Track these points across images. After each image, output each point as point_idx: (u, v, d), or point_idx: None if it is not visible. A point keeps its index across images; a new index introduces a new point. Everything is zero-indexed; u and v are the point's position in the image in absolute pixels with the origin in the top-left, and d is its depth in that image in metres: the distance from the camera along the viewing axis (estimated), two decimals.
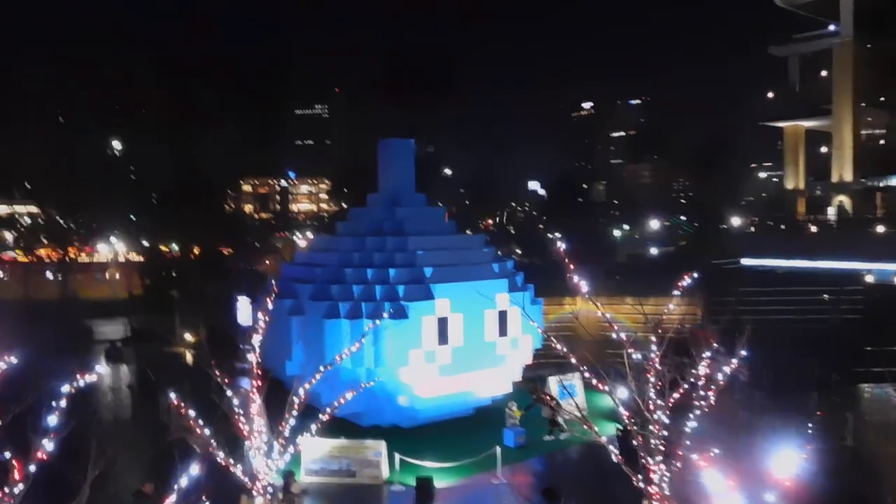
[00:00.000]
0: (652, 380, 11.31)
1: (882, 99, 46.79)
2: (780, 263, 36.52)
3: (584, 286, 11.77)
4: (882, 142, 51.21)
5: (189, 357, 31.68)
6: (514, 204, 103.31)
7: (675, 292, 12.31)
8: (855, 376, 24.93)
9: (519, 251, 53.62)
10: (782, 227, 41.84)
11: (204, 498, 9.53)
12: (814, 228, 39.77)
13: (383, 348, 19.36)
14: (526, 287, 22.80)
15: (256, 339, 12.16)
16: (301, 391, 12.59)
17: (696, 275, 12.17)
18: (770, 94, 48.13)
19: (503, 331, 21.36)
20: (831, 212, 41.29)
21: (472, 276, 20.73)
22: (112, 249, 47.10)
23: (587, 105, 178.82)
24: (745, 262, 38.52)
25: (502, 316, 21.33)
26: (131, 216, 52.03)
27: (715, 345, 30.18)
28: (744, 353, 27.92)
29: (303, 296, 20.54)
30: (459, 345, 20.22)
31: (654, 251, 45.90)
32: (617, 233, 60.66)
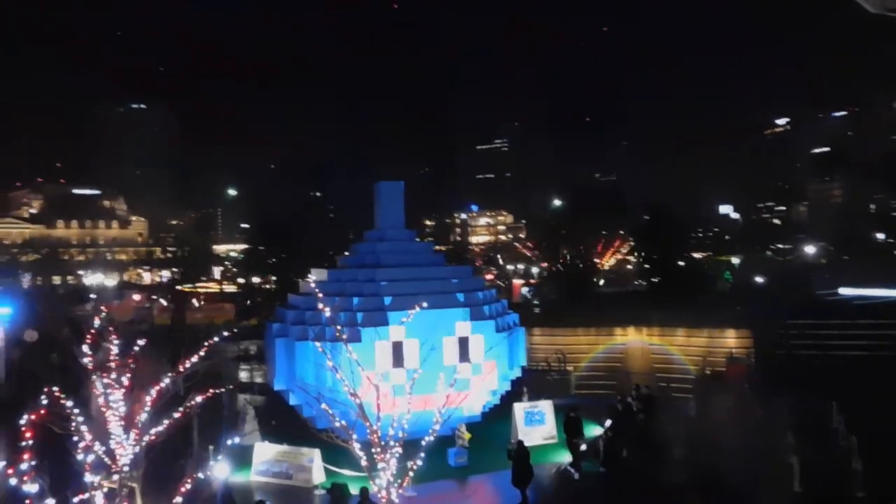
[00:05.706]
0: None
1: None
2: (879, 293, 32.58)
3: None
4: None
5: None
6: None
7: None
8: None
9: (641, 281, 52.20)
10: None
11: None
12: None
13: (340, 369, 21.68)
14: (499, 316, 23.75)
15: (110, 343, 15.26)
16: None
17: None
18: None
19: (464, 356, 22.60)
20: None
21: (430, 304, 22.32)
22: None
23: (781, 121, 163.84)
24: (844, 291, 34.88)
25: (463, 342, 22.63)
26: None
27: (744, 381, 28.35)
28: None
29: (288, 320, 23.68)
30: (415, 368, 21.88)
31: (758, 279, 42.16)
32: (735, 260, 56.24)
